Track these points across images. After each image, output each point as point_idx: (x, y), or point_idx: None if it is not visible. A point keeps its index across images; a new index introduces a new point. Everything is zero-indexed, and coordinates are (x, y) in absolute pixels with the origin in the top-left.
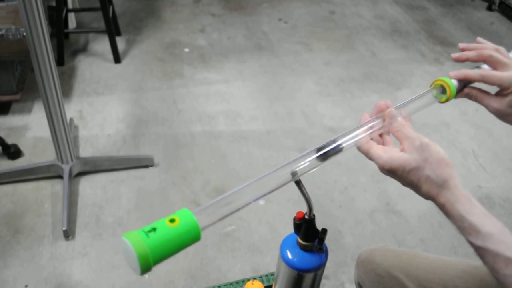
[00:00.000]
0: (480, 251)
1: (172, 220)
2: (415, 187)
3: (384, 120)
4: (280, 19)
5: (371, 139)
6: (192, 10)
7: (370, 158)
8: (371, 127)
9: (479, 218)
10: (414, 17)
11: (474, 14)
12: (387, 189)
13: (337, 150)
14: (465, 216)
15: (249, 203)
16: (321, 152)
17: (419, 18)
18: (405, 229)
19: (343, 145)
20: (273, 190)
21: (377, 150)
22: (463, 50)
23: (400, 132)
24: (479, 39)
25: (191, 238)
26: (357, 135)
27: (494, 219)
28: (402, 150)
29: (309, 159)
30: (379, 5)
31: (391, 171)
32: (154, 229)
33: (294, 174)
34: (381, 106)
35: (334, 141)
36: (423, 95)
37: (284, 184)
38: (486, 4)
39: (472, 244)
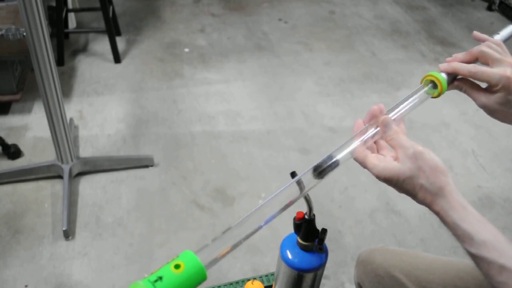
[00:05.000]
0: (475, 258)
1: (177, 266)
2: (411, 195)
3: (377, 127)
4: (280, 19)
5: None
6: (192, 10)
7: (365, 167)
8: (365, 137)
9: (473, 226)
10: (414, 17)
11: (474, 14)
12: (387, 189)
13: (334, 166)
14: (459, 224)
15: (252, 233)
16: (318, 171)
17: (419, 18)
18: (405, 229)
19: (340, 159)
20: (275, 217)
21: (372, 159)
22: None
23: (394, 140)
24: (475, 34)
25: (197, 280)
26: (352, 148)
27: (489, 225)
28: (396, 158)
29: (306, 179)
30: (379, 5)
31: (386, 180)
32: (160, 278)
33: (301, 185)
34: (374, 111)
35: (330, 158)
36: (415, 93)
37: (285, 208)
38: (486, 4)
39: (467, 251)
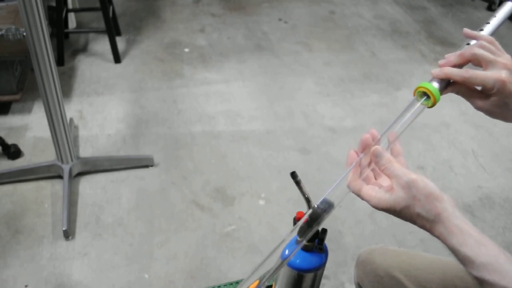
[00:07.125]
0: (478, 280)
1: None
2: (410, 222)
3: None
4: (280, 19)
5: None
6: (192, 10)
7: (362, 199)
8: (359, 169)
9: (472, 249)
10: (414, 17)
11: (474, 14)
12: None
13: (330, 210)
14: (459, 248)
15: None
16: (315, 219)
17: (419, 18)
18: (405, 229)
19: (336, 201)
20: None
21: (368, 191)
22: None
23: (387, 170)
24: (465, 30)
25: None
26: (346, 184)
27: (490, 246)
28: (391, 189)
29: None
30: (379, 5)
31: (384, 210)
32: None
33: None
34: (366, 140)
35: (325, 203)
36: (410, 107)
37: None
38: (486, 4)
39: (469, 273)
